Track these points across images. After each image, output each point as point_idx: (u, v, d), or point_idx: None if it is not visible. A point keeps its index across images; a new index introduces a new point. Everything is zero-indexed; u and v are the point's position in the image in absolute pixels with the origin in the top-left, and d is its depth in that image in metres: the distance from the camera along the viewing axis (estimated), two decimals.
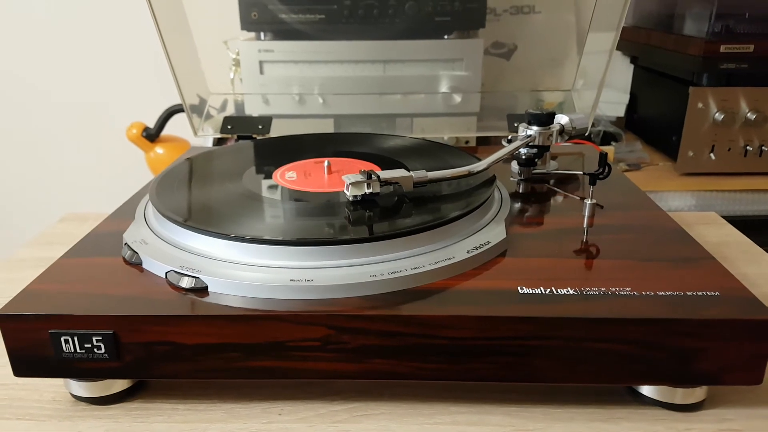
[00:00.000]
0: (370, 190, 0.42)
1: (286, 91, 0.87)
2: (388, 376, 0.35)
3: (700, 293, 0.35)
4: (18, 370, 0.36)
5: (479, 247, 0.39)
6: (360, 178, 0.42)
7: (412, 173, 0.43)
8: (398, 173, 0.43)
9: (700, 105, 0.90)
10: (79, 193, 1.38)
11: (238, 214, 0.43)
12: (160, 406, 0.38)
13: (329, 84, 0.88)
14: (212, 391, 0.39)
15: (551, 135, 0.53)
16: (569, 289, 0.36)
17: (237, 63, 0.96)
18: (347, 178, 0.42)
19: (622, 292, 0.36)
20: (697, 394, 0.36)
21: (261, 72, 0.89)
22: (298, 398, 0.38)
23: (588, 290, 0.36)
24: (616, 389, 0.38)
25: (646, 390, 0.37)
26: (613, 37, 0.71)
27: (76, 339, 0.34)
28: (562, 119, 0.55)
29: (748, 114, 0.90)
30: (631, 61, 1.11)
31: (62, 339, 0.34)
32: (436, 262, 0.37)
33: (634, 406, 0.37)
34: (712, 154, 0.93)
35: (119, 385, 0.38)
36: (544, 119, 0.53)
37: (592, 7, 0.83)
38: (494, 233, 0.41)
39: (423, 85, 0.89)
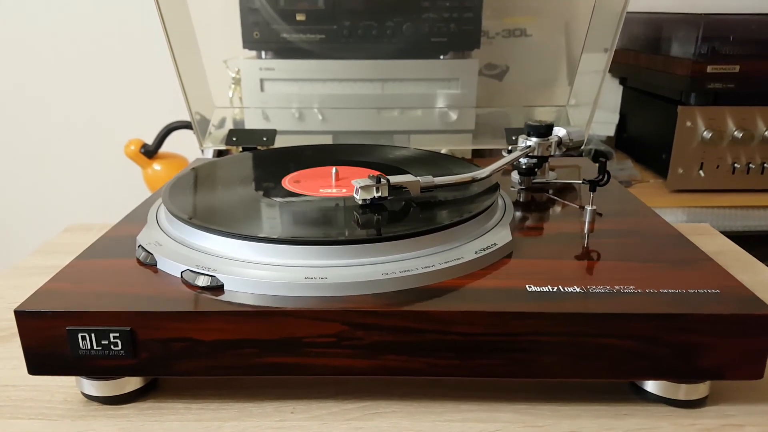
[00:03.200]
0: (379, 194, 0.43)
1: (285, 107, 0.89)
2: (400, 373, 0.36)
3: (701, 291, 0.37)
4: (33, 368, 0.36)
5: (486, 248, 0.40)
6: (369, 182, 0.43)
7: (419, 178, 0.44)
8: (406, 178, 0.44)
9: (688, 123, 0.93)
10: (77, 207, 1.38)
11: (250, 216, 0.44)
12: (172, 406, 0.38)
13: (328, 101, 0.90)
14: (225, 391, 0.40)
15: (550, 146, 0.54)
16: (575, 287, 0.37)
17: (237, 82, 0.97)
18: (356, 182, 0.43)
19: (626, 290, 0.37)
20: (700, 390, 0.37)
21: (262, 89, 0.91)
22: (311, 398, 0.39)
23: (593, 288, 0.37)
24: (621, 388, 0.39)
25: (651, 387, 0.38)
26: (606, 57, 0.73)
27: (93, 336, 0.35)
28: (559, 132, 0.57)
29: (735, 132, 0.93)
30: (620, 82, 1.14)
31: (79, 336, 0.35)
32: (445, 262, 0.38)
33: (639, 403, 0.38)
34: (701, 171, 0.95)
35: (132, 384, 0.38)
36: (543, 130, 0.54)
37: (584, 30, 0.86)
38: (500, 236, 0.42)
39: (420, 103, 0.91)
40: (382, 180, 0.43)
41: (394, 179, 0.44)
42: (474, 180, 0.47)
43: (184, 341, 0.35)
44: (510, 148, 0.55)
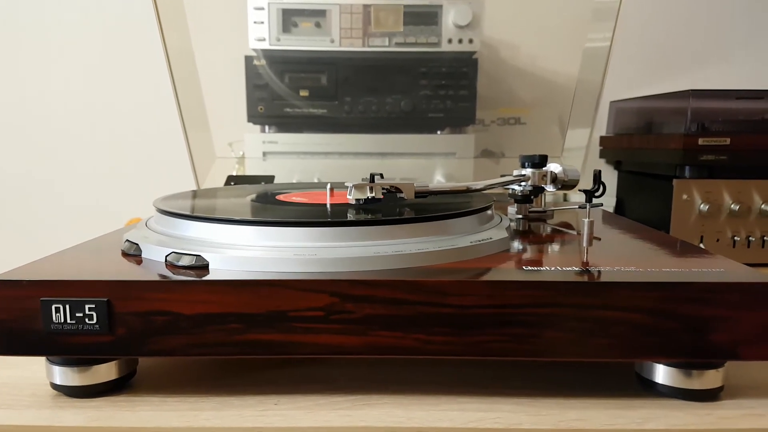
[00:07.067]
0: (372, 195, 0.42)
1: (287, 178, 0.91)
2: (393, 351, 0.34)
3: (705, 270, 0.35)
4: (1, 347, 0.34)
5: (482, 240, 0.39)
6: (362, 182, 0.43)
7: (414, 182, 0.44)
8: (401, 181, 0.44)
9: (684, 196, 0.94)
10: None
11: (244, 212, 0.43)
12: (147, 399, 0.36)
13: (329, 172, 0.92)
14: (203, 385, 0.37)
15: (545, 175, 0.55)
16: (575, 267, 0.36)
17: (241, 163, 1.00)
18: (350, 182, 0.43)
19: (627, 269, 0.35)
20: (714, 379, 0.35)
21: (264, 161, 0.93)
22: (297, 392, 0.36)
23: (594, 268, 0.36)
24: (629, 383, 0.37)
25: (661, 377, 0.35)
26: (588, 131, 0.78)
27: (68, 307, 0.33)
28: (555, 167, 0.57)
29: (732, 205, 0.93)
30: (615, 167, 1.17)
31: (53, 307, 0.33)
32: (439, 247, 0.37)
33: (650, 397, 0.35)
34: (701, 245, 0.95)
35: (104, 374, 0.36)
36: (537, 160, 0.55)
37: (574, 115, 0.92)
38: (496, 233, 0.41)
39: (418, 175, 0.93)
40: (375, 179, 0.43)
41: (389, 180, 0.43)
42: (468, 190, 0.47)
43: (164, 314, 0.33)
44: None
